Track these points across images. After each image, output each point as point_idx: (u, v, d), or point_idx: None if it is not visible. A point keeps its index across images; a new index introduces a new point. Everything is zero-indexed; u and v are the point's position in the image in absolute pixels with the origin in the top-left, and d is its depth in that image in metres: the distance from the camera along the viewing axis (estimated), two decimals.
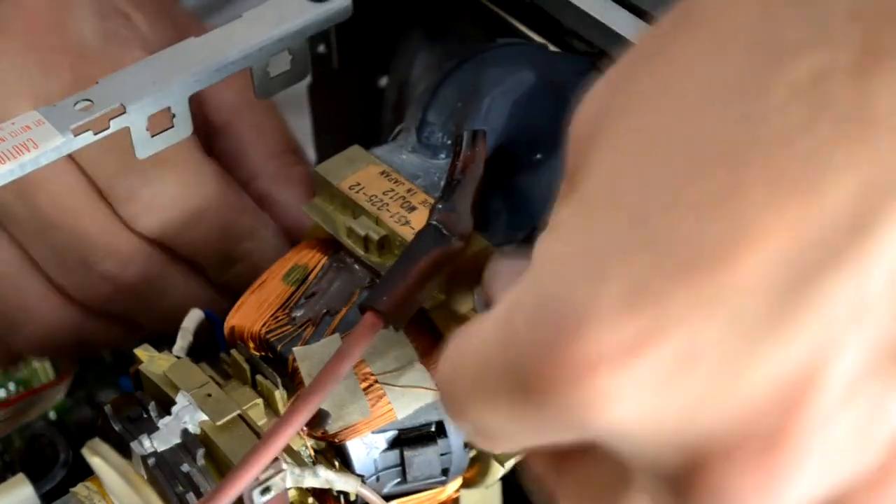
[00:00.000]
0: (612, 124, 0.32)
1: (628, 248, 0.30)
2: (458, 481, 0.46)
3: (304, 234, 0.49)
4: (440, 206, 0.42)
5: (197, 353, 0.47)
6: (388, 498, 0.45)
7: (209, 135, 0.56)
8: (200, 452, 0.42)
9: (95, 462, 0.43)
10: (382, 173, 0.46)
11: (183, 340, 0.47)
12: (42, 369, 0.54)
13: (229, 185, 0.53)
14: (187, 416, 0.43)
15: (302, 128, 0.61)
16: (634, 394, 0.30)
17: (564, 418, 0.31)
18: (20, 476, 0.44)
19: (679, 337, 0.29)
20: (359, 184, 0.46)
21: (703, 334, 0.29)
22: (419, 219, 0.44)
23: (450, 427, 0.45)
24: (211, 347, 0.47)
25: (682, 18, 0.33)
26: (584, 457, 0.35)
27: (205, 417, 0.43)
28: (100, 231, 0.52)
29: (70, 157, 0.51)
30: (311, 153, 0.61)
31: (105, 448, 0.44)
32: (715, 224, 0.29)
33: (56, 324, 0.54)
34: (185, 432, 0.42)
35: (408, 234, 0.44)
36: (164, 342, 0.47)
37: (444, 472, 0.45)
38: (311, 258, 0.47)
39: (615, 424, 0.31)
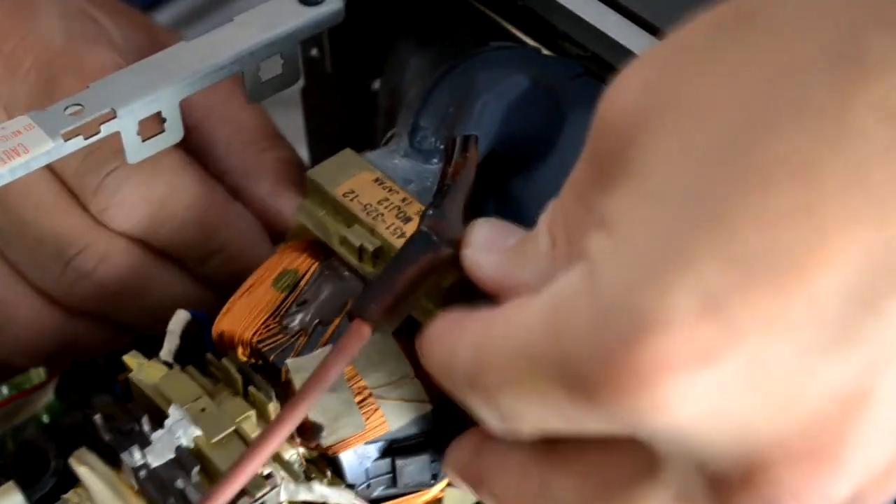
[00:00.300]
0: (672, 120, 0.32)
1: (701, 256, 0.31)
2: (444, 482, 0.46)
3: (290, 233, 0.48)
4: (430, 212, 0.42)
5: (184, 353, 0.46)
6: (376, 501, 0.45)
7: (186, 136, 0.56)
8: (196, 469, 0.42)
9: (82, 472, 0.43)
10: (376, 180, 0.46)
11: (170, 344, 0.46)
12: (37, 374, 0.54)
13: (201, 176, 0.53)
14: (180, 431, 0.42)
15: (295, 128, 0.60)
16: (701, 399, 0.31)
17: (622, 417, 0.32)
18: (10, 484, 0.44)
19: (749, 347, 0.31)
20: (353, 191, 0.45)
21: (772, 345, 0.31)
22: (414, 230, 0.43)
23: (440, 437, 0.45)
24: (198, 346, 0.47)
25: (745, 14, 0.33)
26: (595, 448, 0.35)
27: (199, 432, 0.43)
28: (72, 227, 0.51)
29: None
30: (304, 156, 0.61)
31: (93, 458, 0.43)
32: (789, 239, 0.30)
33: (39, 327, 0.53)
34: (179, 449, 0.42)
35: None
36: (152, 344, 0.47)
37: (434, 477, 0.45)
38: (301, 263, 0.47)
39: (676, 427, 0.32)
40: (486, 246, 0.40)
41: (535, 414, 0.35)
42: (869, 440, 0.32)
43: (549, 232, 0.37)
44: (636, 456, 0.34)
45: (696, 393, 0.31)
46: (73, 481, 0.45)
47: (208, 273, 0.54)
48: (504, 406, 0.35)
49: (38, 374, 0.54)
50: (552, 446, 0.38)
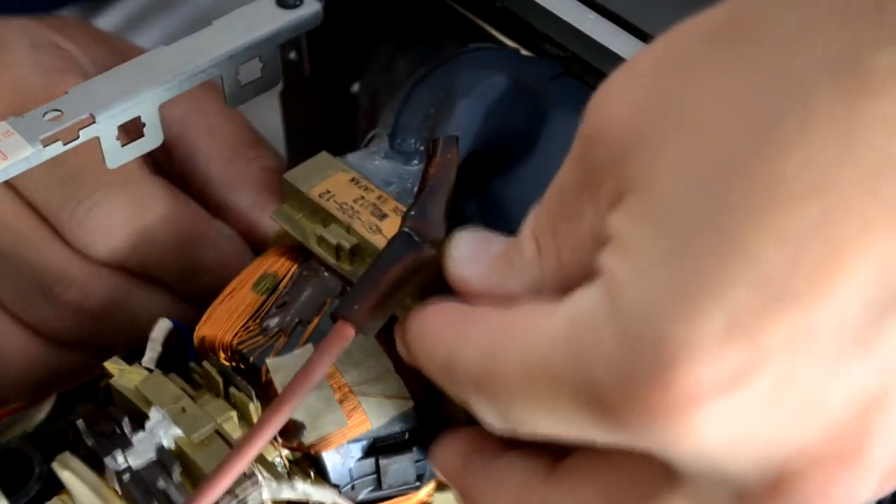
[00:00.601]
0: (675, 134, 0.32)
1: (724, 280, 0.31)
2: (431, 485, 0.46)
3: (271, 239, 0.49)
4: (412, 212, 0.42)
5: (166, 362, 0.46)
6: None
7: (166, 151, 0.56)
8: (177, 469, 0.42)
9: (65, 476, 0.43)
10: (352, 180, 0.46)
11: (152, 352, 0.46)
12: None
13: (179, 199, 0.53)
14: (161, 432, 0.42)
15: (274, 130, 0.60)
16: (728, 423, 0.31)
17: (646, 440, 0.32)
18: None
19: (775, 368, 0.31)
20: (328, 191, 0.45)
21: (797, 361, 0.31)
22: (390, 226, 0.43)
23: (424, 435, 0.45)
24: (180, 356, 0.47)
25: (742, 25, 0.33)
26: (608, 459, 0.36)
27: (180, 433, 0.42)
28: (54, 261, 0.51)
29: (13, 189, 0.51)
30: (283, 159, 0.61)
31: (76, 462, 0.43)
32: (809, 255, 0.31)
33: (26, 359, 0.53)
34: (160, 448, 0.42)
35: (379, 241, 0.43)
36: (134, 355, 0.47)
37: (419, 478, 0.45)
38: (280, 266, 0.47)
39: (701, 450, 0.32)
40: (469, 258, 0.40)
41: (547, 424, 0.35)
42: (887, 436, 0.32)
43: (533, 238, 0.37)
44: (653, 468, 0.34)
45: (724, 417, 0.31)
46: (57, 487, 0.44)
47: (193, 292, 0.54)
48: (514, 414, 0.35)
49: None
50: (557, 458, 0.38)
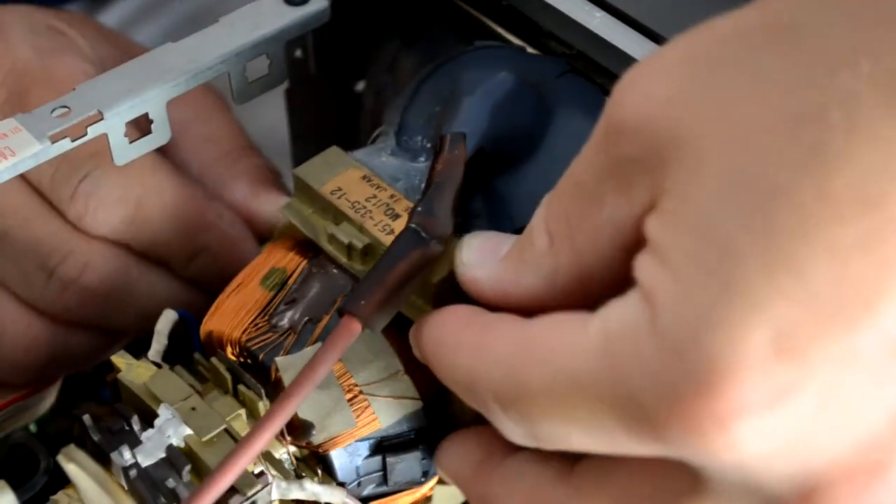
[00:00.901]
0: (715, 139, 0.32)
1: (770, 294, 0.31)
2: (434, 480, 0.46)
3: (277, 231, 0.48)
4: (419, 208, 0.42)
5: (171, 353, 0.46)
6: (366, 499, 0.45)
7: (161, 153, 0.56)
8: (187, 468, 0.42)
9: (71, 469, 0.43)
10: (364, 178, 0.46)
11: (158, 344, 0.46)
12: None
13: (177, 176, 0.53)
14: (171, 430, 0.42)
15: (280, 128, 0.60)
16: (769, 435, 0.32)
17: (685, 453, 0.33)
18: (1, 483, 0.43)
19: (819, 384, 0.31)
20: (340, 189, 0.45)
21: (841, 377, 0.31)
22: (403, 226, 0.43)
23: (431, 434, 0.45)
24: (185, 347, 0.47)
25: (783, 28, 0.32)
26: (630, 468, 0.36)
27: (189, 431, 0.42)
28: (52, 236, 0.51)
29: None
30: (287, 157, 0.61)
31: (81, 455, 0.43)
32: (857, 271, 0.31)
33: (29, 341, 0.53)
34: (170, 448, 0.42)
35: None
36: (141, 348, 0.47)
37: (425, 474, 0.45)
38: (289, 261, 0.47)
39: (741, 461, 0.32)
40: (479, 260, 0.40)
41: (579, 439, 0.35)
42: None
43: (546, 229, 0.37)
44: (676, 475, 0.35)
45: (766, 431, 0.32)
46: (62, 482, 0.45)
47: (194, 274, 0.53)
48: (543, 430, 0.35)
49: None
50: (575, 465, 0.38)
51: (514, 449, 0.40)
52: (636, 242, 0.35)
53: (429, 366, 0.40)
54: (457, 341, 0.38)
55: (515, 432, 0.37)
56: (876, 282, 0.31)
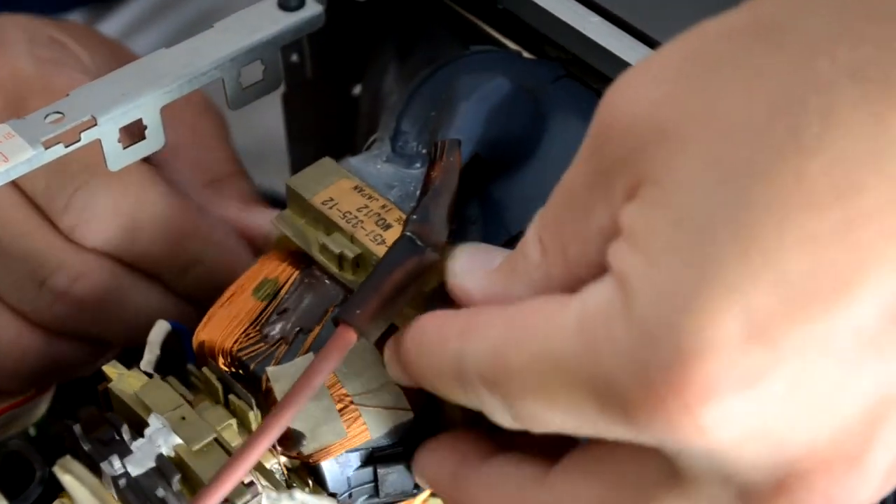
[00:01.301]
0: (697, 132, 0.32)
1: (744, 279, 0.31)
2: (427, 493, 0.46)
3: (273, 244, 0.48)
4: (415, 216, 0.42)
5: (164, 364, 0.46)
6: None
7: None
8: (177, 478, 0.41)
9: (67, 480, 0.43)
10: (356, 188, 0.46)
11: (150, 354, 0.46)
12: None
13: (170, 189, 0.53)
14: (161, 440, 0.42)
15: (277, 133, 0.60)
16: (741, 420, 0.32)
17: (657, 436, 0.32)
18: None
19: (792, 367, 0.31)
20: (332, 199, 0.45)
21: (814, 363, 0.31)
22: (394, 237, 0.43)
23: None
24: (178, 358, 0.47)
25: (765, 27, 0.33)
26: (609, 459, 0.36)
27: (179, 441, 0.42)
28: (44, 247, 0.51)
29: None
30: (285, 162, 0.61)
31: (77, 466, 0.43)
32: (831, 259, 0.31)
33: (21, 349, 0.53)
34: (159, 457, 0.42)
35: (383, 252, 0.43)
36: (134, 358, 0.47)
37: (416, 486, 0.45)
38: (281, 272, 0.46)
39: (712, 447, 0.32)
40: (470, 269, 0.40)
41: (559, 420, 0.35)
42: (891, 441, 0.33)
43: (539, 241, 0.37)
44: (655, 468, 0.35)
45: (737, 415, 0.31)
46: (58, 490, 0.44)
47: (188, 287, 0.53)
48: (525, 410, 0.35)
49: None
50: (550, 461, 0.38)
51: (491, 453, 0.40)
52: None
53: (408, 373, 0.40)
54: (441, 335, 0.38)
55: (502, 415, 0.36)
56: (849, 270, 0.31)
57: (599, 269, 0.35)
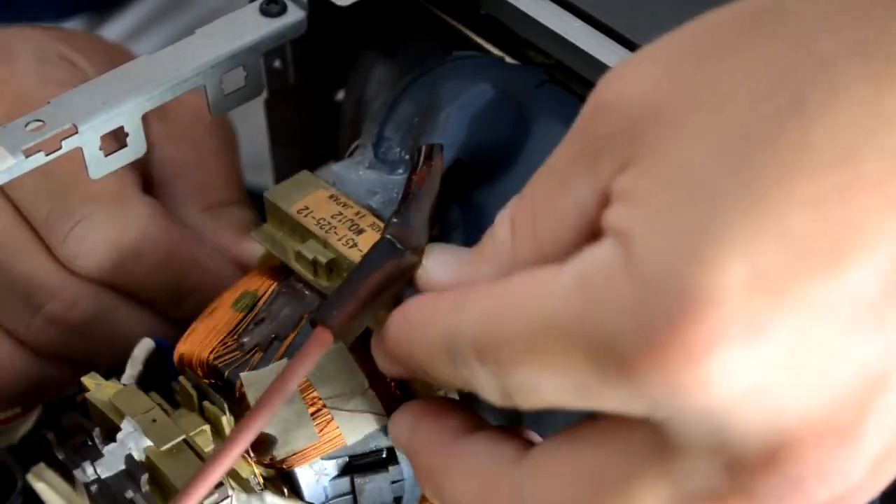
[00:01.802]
0: (697, 108, 0.33)
1: (749, 231, 0.31)
2: None
3: (258, 262, 0.49)
4: (395, 219, 0.41)
5: (149, 382, 0.46)
6: None
7: (149, 185, 0.56)
8: (144, 478, 0.41)
9: (40, 488, 0.43)
10: (331, 197, 0.46)
11: (132, 369, 0.46)
12: None
13: (168, 218, 0.53)
14: (132, 443, 0.42)
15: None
16: (743, 376, 0.31)
17: (656, 394, 0.32)
18: None
19: (794, 323, 0.31)
20: (307, 208, 0.45)
21: (814, 323, 0.31)
22: (367, 241, 0.43)
23: (401, 454, 0.44)
24: (164, 377, 0.47)
25: (766, 9, 0.33)
26: (587, 438, 0.35)
27: (150, 443, 0.42)
28: (40, 272, 0.51)
29: (6, 197, 0.51)
30: (268, 167, 0.61)
31: (50, 474, 0.43)
32: (833, 221, 0.31)
33: (10, 370, 0.53)
34: (129, 458, 0.42)
35: (355, 256, 0.43)
36: (117, 373, 0.46)
37: (397, 500, 0.45)
38: (260, 284, 0.47)
39: (711, 405, 0.32)
40: (440, 263, 0.40)
41: (551, 389, 0.34)
42: (885, 417, 0.33)
43: (509, 220, 0.37)
44: (640, 444, 0.34)
45: (740, 369, 0.31)
46: (40, 500, 0.44)
47: (184, 315, 0.53)
48: (518, 379, 0.35)
49: None
50: (526, 445, 0.38)
51: (472, 428, 0.40)
52: (597, 217, 0.35)
53: (395, 357, 0.39)
54: (431, 312, 0.38)
55: (492, 389, 0.36)
56: (849, 233, 0.31)
57: (567, 246, 0.35)
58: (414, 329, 0.38)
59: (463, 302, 0.36)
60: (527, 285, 0.35)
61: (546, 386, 0.34)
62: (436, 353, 0.38)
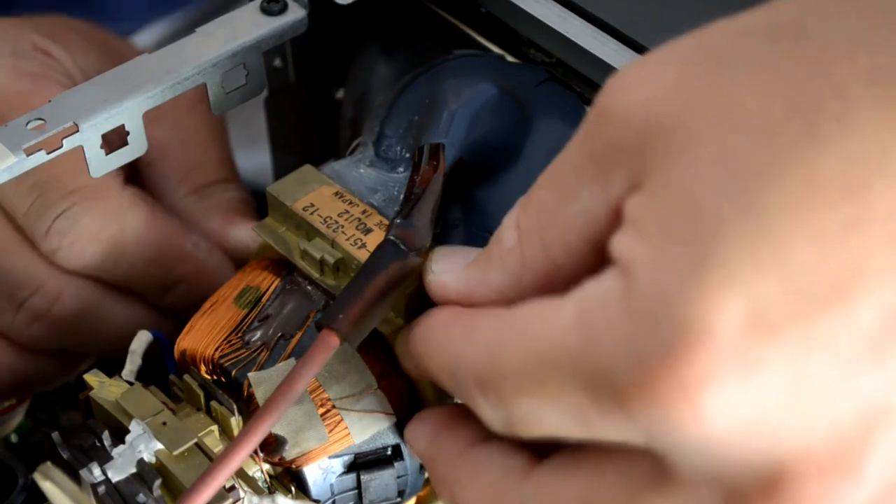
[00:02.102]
0: (708, 123, 0.32)
1: (748, 268, 0.31)
2: (412, 501, 0.46)
3: (254, 253, 0.48)
4: (398, 220, 0.41)
5: (146, 375, 0.46)
6: None
7: (137, 167, 0.56)
8: (157, 483, 0.41)
9: (47, 487, 0.43)
10: (336, 194, 0.45)
11: (132, 364, 0.46)
12: None
13: (151, 208, 0.53)
14: (142, 445, 0.42)
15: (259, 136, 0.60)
16: (738, 412, 0.31)
17: (651, 428, 0.32)
18: None
19: (791, 361, 0.31)
20: (312, 205, 0.45)
21: (812, 359, 0.31)
22: (375, 241, 0.43)
23: (405, 450, 0.44)
24: (159, 369, 0.46)
25: (781, 26, 0.33)
26: (591, 460, 0.35)
27: (160, 446, 0.42)
28: (24, 268, 0.51)
29: None
30: (268, 165, 0.61)
31: (57, 472, 0.43)
32: (836, 256, 0.31)
33: None
34: (140, 462, 0.42)
35: (364, 256, 0.43)
36: (115, 368, 0.46)
37: (400, 493, 0.45)
38: (263, 280, 0.46)
39: (706, 438, 0.32)
40: (447, 267, 0.40)
41: (551, 420, 0.35)
42: (886, 454, 0.33)
43: (516, 225, 0.37)
44: (641, 469, 0.34)
45: (735, 404, 0.31)
46: (41, 498, 0.44)
47: (172, 304, 0.53)
48: (518, 411, 0.35)
49: None
50: (537, 456, 0.38)
51: (484, 437, 0.40)
52: (607, 231, 0.34)
53: (421, 371, 0.40)
54: (447, 334, 0.38)
55: (494, 418, 0.36)
56: (853, 269, 0.31)
57: (577, 256, 0.35)
58: (432, 346, 0.39)
59: (471, 329, 0.37)
60: (528, 318, 0.35)
61: (547, 418, 0.35)
62: (445, 379, 0.38)
